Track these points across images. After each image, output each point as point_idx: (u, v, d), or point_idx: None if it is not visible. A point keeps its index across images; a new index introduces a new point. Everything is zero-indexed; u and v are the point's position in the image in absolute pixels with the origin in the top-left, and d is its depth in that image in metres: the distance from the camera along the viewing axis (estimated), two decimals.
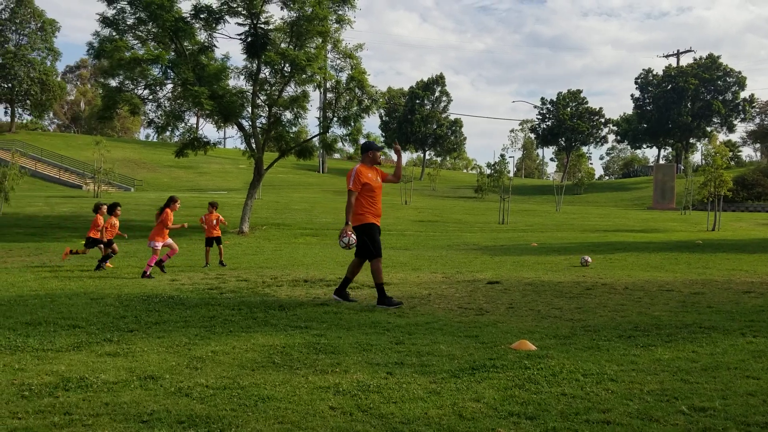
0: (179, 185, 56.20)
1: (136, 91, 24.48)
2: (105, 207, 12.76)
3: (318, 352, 5.03)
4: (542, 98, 77.37)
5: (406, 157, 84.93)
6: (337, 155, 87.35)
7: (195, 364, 4.61)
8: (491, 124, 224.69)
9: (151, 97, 24.87)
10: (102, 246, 12.41)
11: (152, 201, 36.31)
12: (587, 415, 3.47)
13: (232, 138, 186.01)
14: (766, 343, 5.26)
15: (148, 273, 10.41)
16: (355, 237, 7.53)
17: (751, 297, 8.06)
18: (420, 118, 73.01)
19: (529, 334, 5.69)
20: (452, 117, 77.26)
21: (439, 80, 75.78)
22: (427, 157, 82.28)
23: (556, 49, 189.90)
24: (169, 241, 11.31)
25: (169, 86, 24.68)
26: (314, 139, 27.05)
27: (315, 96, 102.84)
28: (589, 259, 12.89)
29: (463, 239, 22.11)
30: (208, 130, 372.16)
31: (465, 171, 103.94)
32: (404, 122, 73.76)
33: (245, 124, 25.23)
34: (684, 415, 3.48)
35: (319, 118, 27.19)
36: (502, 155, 40.61)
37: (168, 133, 27.07)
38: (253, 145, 24.98)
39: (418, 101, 74.27)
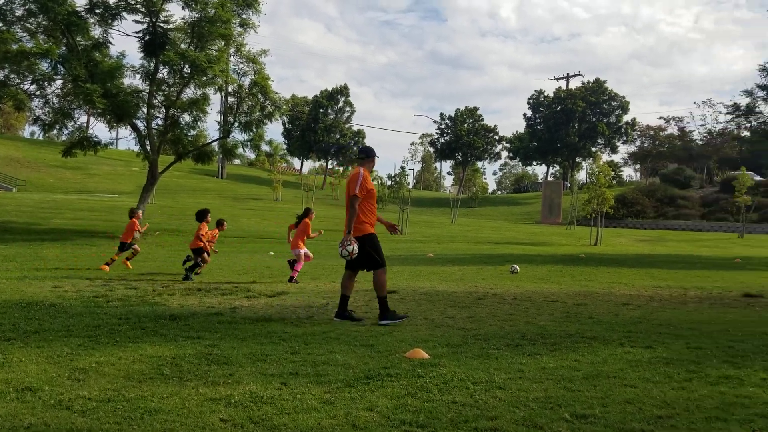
0: (66, 186, 53.12)
1: (22, 85, 23.01)
2: (140, 213, 13.65)
3: (210, 363, 4.89)
4: (441, 114, 79.67)
5: (309, 165, 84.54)
6: (237, 161, 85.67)
7: (77, 375, 4.37)
8: (393, 137, 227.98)
9: (38, 92, 23.44)
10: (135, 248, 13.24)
11: (35, 202, 34.11)
12: (476, 422, 3.58)
13: (126, 139, 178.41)
14: (642, 353, 5.61)
15: (295, 278, 11.25)
16: (357, 247, 7.01)
17: (629, 309, 8.58)
18: (323, 128, 72.97)
19: (423, 343, 5.79)
20: (355, 128, 77.76)
21: (343, 90, 76.10)
22: (330, 166, 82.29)
23: (455, 66, 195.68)
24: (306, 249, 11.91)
25: (59, 82, 23.37)
26: (214, 144, 26.40)
27: (216, 99, 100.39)
28: (517, 268, 13.85)
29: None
30: (99, 129, 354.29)
31: None
32: (307, 131, 73.47)
33: (140, 125, 24.29)
34: (566, 422, 3.64)
35: (219, 122, 26.57)
36: (402, 167, 41.26)
37: (55, 132, 25.64)
38: (148, 148, 24.06)
39: (321, 110, 74.22)
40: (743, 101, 24.35)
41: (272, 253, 18.84)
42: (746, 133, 28.70)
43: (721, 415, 3.81)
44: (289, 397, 4.00)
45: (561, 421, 3.64)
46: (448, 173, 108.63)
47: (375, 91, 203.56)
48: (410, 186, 44.78)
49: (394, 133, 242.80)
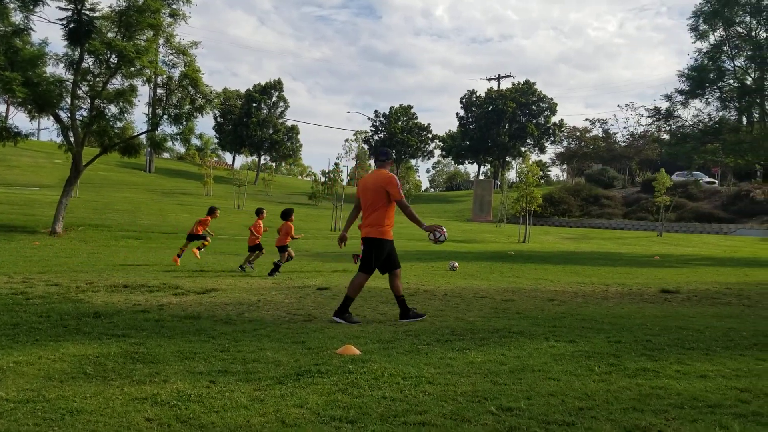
0: None
1: None
2: (218, 211, 14.80)
3: (135, 361, 4.78)
4: (376, 111, 79.97)
5: (241, 160, 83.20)
6: (166, 154, 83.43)
7: None
8: (327, 133, 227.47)
9: None
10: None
11: None
12: (405, 417, 3.63)
13: (48, 130, 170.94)
14: (566, 347, 5.81)
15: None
16: (444, 234, 7.50)
17: (554, 304, 8.86)
18: (256, 122, 71.92)
19: (355, 339, 5.82)
20: (289, 123, 77.05)
21: (277, 85, 75.24)
22: (263, 161, 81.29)
23: (390, 64, 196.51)
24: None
25: None
26: (141, 137, 25.61)
27: (144, 91, 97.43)
28: (456, 264, 14.29)
29: (296, 245, 22.08)
30: (19, 119, 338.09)
31: (300, 177, 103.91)
32: (240, 125, 72.24)
33: (63, 115, 23.27)
34: (493, 415, 3.74)
35: (147, 115, 25.80)
36: (336, 164, 41.16)
37: None
38: (72, 139, 23.13)
39: (254, 105, 73.13)
40: (663, 105, 25.46)
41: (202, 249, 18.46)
42: (666, 136, 30.09)
43: (638, 406, 4.00)
44: (217, 395, 3.96)
45: (487, 414, 3.73)
46: None
47: (309, 87, 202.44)
48: (344, 183, 44.73)
49: (329, 130, 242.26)
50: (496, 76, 76.26)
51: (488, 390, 4.26)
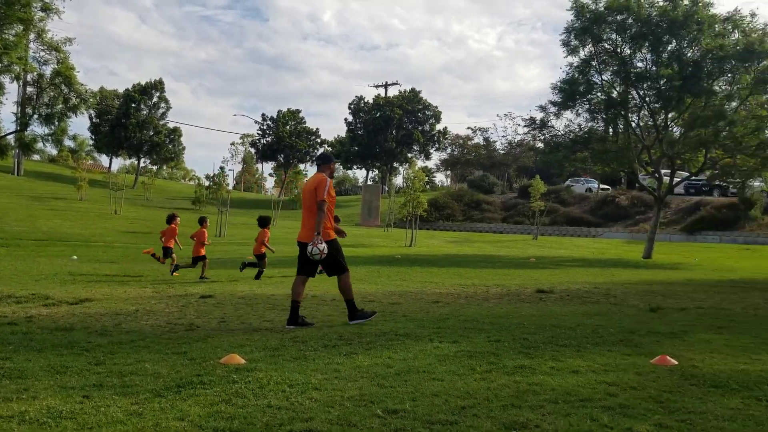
0: None
1: None
2: (178, 218, 14.52)
3: (2, 377, 4.44)
4: (263, 114, 78.78)
5: (118, 163, 79.15)
6: (36, 156, 77.98)
7: None
8: (212, 136, 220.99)
9: None
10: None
11: None
12: (291, 425, 3.59)
13: None
14: (449, 347, 5.98)
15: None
16: (327, 247, 7.05)
17: (439, 306, 9.09)
18: (136, 123, 68.76)
19: (240, 348, 5.70)
20: (171, 125, 74.25)
21: (158, 85, 72.32)
22: (142, 164, 77.88)
23: (277, 67, 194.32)
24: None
25: None
26: (9, 137, 23.82)
27: (12, 89, 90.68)
28: None
29: (177, 252, 21.32)
30: None
31: (183, 181, 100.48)
32: (117, 126, 68.75)
33: None
34: (379, 418, 3.78)
35: (16, 114, 24.05)
36: (221, 167, 40.13)
37: None
38: None
39: (134, 105, 69.88)
40: (538, 116, 26.79)
41: (75, 257, 17.42)
42: (540, 145, 31.76)
43: (516, 402, 4.18)
44: (91, 410, 3.74)
45: (374, 418, 3.77)
46: (270, 175, 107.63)
47: (193, 88, 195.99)
48: (230, 187, 43.73)
49: (213, 133, 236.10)
50: (384, 83, 77.39)
51: (375, 393, 4.30)
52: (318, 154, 9.51)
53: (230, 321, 7.37)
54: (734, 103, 23.65)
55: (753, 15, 23.21)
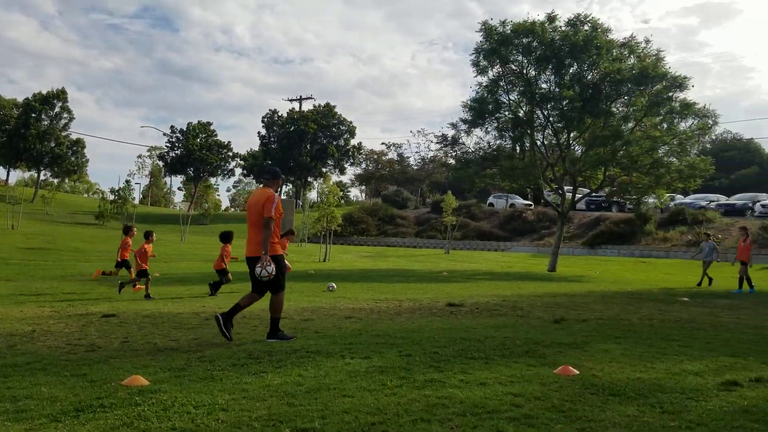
0: None
1: None
2: (135, 230, 14.19)
3: None
4: (172, 126, 76.36)
5: (17, 175, 74.72)
6: None
7: None
8: (117, 148, 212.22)
9: None
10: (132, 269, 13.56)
11: None
12: None
13: None
14: (361, 363, 5.97)
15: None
16: (274, 268, 6.99)
17: (351, 321, 9.07)
18: (36, 134, 65.22)
19: (143, 369, 5.48)
20: (74, 136, 70.97)
21: (61, 95, 68.98)
22: (42, 177, 73.95)
23: (187, 79, 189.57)
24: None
25: None
26: None
27: None
28: (334, 285, 14.68)
29: (80, 269, 20.31)
30: None
31: (86, 195, 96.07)
32: (16, 137, 64.99)
33: None
34: None
35: None
36: (127, 181, 38.72)
37: None
38: None
39: (34, 115, 66.33)
40: (450, 133, 27.42)
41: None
42: (452, 161, 32.50)
43: (425, 416, 4.22)
44: None
45: None
46: (179, 189, 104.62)
47: (98, 98, 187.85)
48: (136, 201, 42.18)
49: (119, 145, 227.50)
50: (298, 98, 77.09)
51: (284, 412, 4.23)
52: (266, 168, 9.40)
53: (134, 341, 7.08)
54: (630, 124, 25.07)
55: (647, 41, 24.78)
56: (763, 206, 34.82)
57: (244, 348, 6.68)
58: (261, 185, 7.65)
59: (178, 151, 75.56)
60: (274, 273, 7.02)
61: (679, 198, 37.88)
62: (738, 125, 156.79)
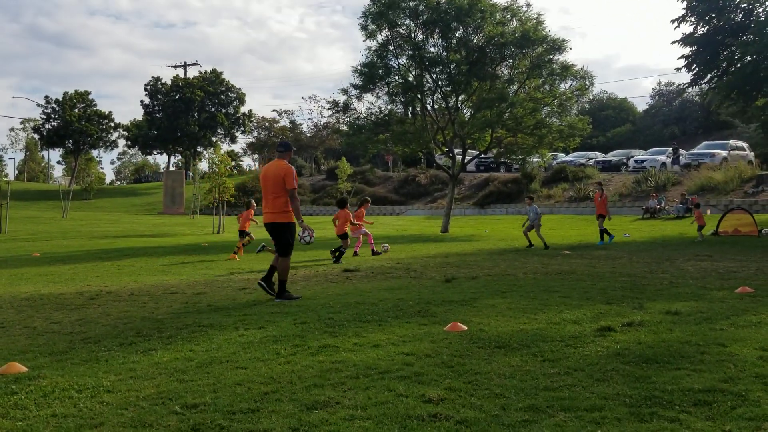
0: None
1: None
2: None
3: None
4: (47, 97, 71.29)
5: None
6: None
7: None
8: None
9: None
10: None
11: None
12: None
13: None
14: (255, 333, 5.92)
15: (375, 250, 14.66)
16: (313, 232, 8.51)
17: (245, 293, 8.96)
18: None
19: (21, 355, 5.19)
20: None
21: None
22: None
23: (61, 45, 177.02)
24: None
25: None
26: None
27: None
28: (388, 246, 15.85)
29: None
30: None
31: None
32: None
33: None
34: (177, 414, 3.65)
35: None
36: None
37: None
38: None
39: None
40: (341, 99, 27.24)
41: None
42: (345, 127, 32.42)
43: (319, 382, 4.27)
44: None
45: (171, 415, 3.63)
46: (58, 163, 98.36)
47: None
48: (10, 177, 39.37)
49: None
50: (183, 64, 74.03)
51: (174, 389, 4.15)
52: (279, 141, 9.43)
53: (10, 326, 6.66)
54: (514, 87, 25.91)
55: (528, 5, 25.54)
56: (636, 161, 37.19)
57: (132, 326, 6.46)
58: (275, 158, 8.39)
59: (54, 123, 70.90)
60: (314, 236, 8.65)
61: (561, 156, 39.74)
62: (612, 85, 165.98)
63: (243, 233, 16.33)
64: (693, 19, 23.17)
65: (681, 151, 37.12)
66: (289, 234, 8.06)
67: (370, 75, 25.39)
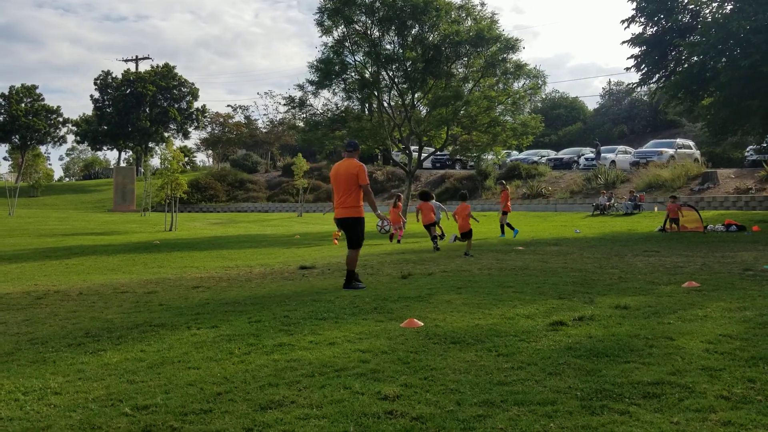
0: None
1: None
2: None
3: None
4: None
5: None
6: None
7: None
8: None
9: None
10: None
11: None
12: None
13: None
14: (208, 333, 5.84)
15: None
16: (389, 221, 9.17)
17: (199, 291, 8.82)
18: None
19: None
20: None
21: None
22: None
23: (7, 38, 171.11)
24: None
25: None
26: None
27: None
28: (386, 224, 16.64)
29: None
30: None
31: None
32: None
33: None
34: (127, 416, 3.58)
35: None
36: None
37: None
38: None
39: None
40: (297, 94, 27.05)
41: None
42: (301, 124, 32.19)
43: (274, 381, 4.23)
44: None
45: (121, 417, 3.56)
46: (4, 159, 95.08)
47: None
48: None
49: None
50: (134, 58, 72.41)
51: (124, 390, 4.06)
52: (347, 141, 9.50)
53: None
54: (469, 85, 26.14)
55: (482, 4, 25.81)
56: (586, 159, 37.97)
57: (80, 326, 6.29)
58: (345, 156, 8.97)
59: (1, 117, 68.55)
60: (390, 228, 9.05)
61: (515, 154, 40.28)
62: (564, 84, 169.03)
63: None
64: (642, 19, 23.73)
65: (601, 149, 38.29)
66: (360, 228, 8.64)
67: (326, 71, 25.28)
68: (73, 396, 3.95)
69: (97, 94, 69.49)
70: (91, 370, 4.56)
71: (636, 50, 23.93)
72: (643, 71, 24.35)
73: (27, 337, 5.81)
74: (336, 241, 17.96)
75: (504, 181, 23.34)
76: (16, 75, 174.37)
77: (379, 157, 47.90)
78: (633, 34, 23.91)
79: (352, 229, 8.65)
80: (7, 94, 69.06)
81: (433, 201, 17.34)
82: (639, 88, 29.81)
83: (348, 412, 3.58)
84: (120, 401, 3.82)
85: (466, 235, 13.74)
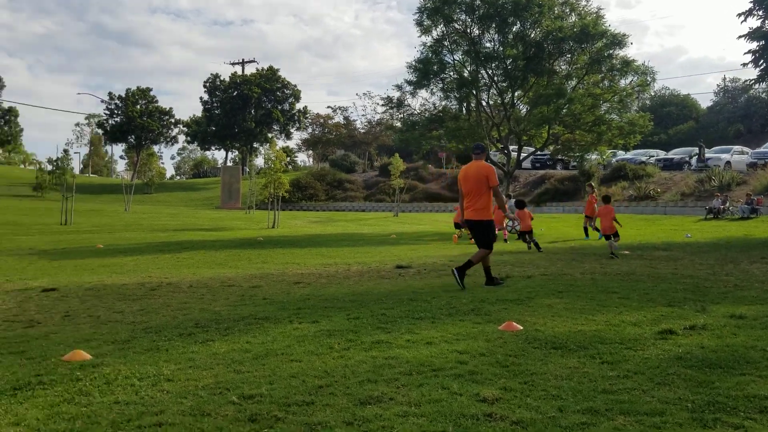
0: None
1: None
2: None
3: None
4: (110, 93, 73.90)
5: None
6: None
7: None
8: (53, 116, 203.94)
9: None
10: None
11: None
12: (140, 420, 3.44)
13: None
14: (309, 327, 5.98)
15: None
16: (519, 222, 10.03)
17: (300, 287, 9.06)
18: None
19: (85, 343, 5.37)
20: (6, 105, 67.90)
21: None
22: None
23: (124, 43, 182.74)
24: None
25: None
26: None
27: None
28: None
29: (18, 243, 19.64)
30: None
31: (22, 167, 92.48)
32: None
33: None
34: (234, 404, 3.72)
35: None
36: (65, 150, 37.38)
37: None
38: None
39: None
40: (395, 95, 27.26)
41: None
42: (398, 124, 32.42)
43: (372, 377, 4.27)
44: None
45: (229, 405, 3.70)
46: (121, 157, 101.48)
47: (30, 65, 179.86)
48: (76, 171, 40.86)
49: (55, 113, 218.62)
50: (240, 61, 75.33)
51: (231, 380, 4.22)
52: (475, 144, 10.08)
53: (75, 315, 6.91)
54: (573, 82, 25.41)
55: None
56: (699, 160, 35.98)
57: (190, 317, 6.61)
58: (474, 158, 8.85)
59: (117, 119, 73.25)
60: (519, 228, 10.02)
61: (621, 154, 38.77)
62: (675, 81, 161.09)
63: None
64: (761, 12, 22.27)
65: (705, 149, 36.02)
66: (490, 231, 8.73)
67: (424, 71, 25.30)
68: (185, 383, 4.15)
69: (206, 96, 72.80)
70: (200, 359, 4.78)
71: (753, 45, 22.52)
72: (762, 67, 22.84)
73: (142, 326, 6.16)
74: (456, 240, 18.52)
75: (593, 184, 23.14)
76: (132, 78, 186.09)
77: None
78: (750, 28, 22.51)
79: (483, 232, 8.71)
80: (124, 96, 73.55)
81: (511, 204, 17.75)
82: (757, 85, 27.97)
83: (446, 412, 3.56)
84: (227, 390, 3.98)
85: (614, 235, 13.59)
